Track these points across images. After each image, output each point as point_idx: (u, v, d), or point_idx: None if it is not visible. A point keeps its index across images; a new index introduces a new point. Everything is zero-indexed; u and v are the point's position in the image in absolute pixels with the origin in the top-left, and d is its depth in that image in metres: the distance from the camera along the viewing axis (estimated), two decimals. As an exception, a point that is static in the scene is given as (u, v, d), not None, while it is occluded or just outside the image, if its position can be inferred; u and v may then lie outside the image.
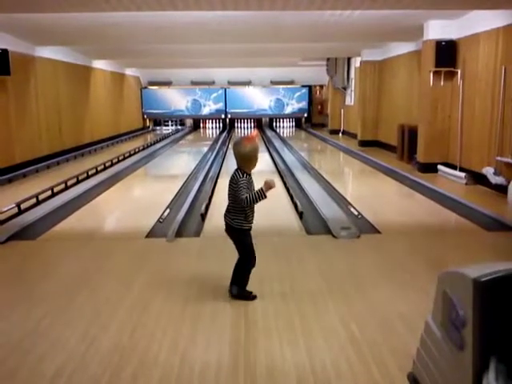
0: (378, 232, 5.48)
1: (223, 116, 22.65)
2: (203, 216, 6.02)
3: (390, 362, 2.74)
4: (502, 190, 7.11)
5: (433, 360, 2.18)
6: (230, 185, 3.46)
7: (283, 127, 22.95)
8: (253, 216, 3.52)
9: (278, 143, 15.70)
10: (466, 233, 5.55)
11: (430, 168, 9.29)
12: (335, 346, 2.94)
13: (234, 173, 3.43)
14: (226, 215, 3.54)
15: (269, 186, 3.34)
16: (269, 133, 19.94)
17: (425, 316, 2.41)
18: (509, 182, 6.76)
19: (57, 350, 2.94)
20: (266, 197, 3.36)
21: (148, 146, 15.26)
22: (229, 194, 3.50)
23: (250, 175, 3.44)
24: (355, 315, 3.35)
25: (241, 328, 3.17)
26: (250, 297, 3.57)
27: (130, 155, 12.87)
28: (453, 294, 2.00)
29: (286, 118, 23.05)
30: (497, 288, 1.76)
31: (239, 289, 3.57)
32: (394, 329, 3.14)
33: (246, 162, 3.39)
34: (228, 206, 3.52)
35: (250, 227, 3.52)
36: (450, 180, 8.55)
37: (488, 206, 6.37)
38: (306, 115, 22.81)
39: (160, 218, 6.09)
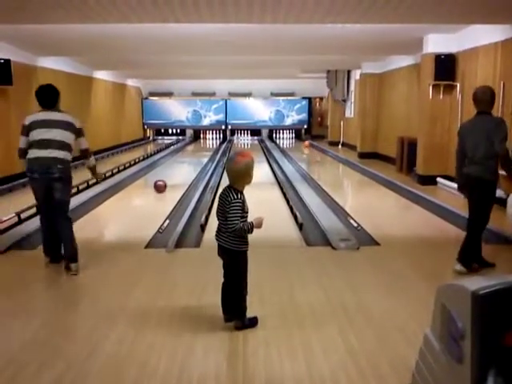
0: (377, 244, 5.49)
1: (223, 127, 22.73)
2: (203, 227, 6.03)
3: (388, 375, 2.73)
4: (500, 202, 7.11)
5: (432, 373, 2.18)
6: (220, 203, 3.16)
7: (283, 138, 23.02)
8: (247, 237, 3.24)
9: (277, 154, 15.75)
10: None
11: (429, 180, 9.31)
12: (334, 358, 2.94)
13: (227, 191, 3.15)
14: (218, 235, 3.22)
15: (258, 225, 3.15)
16: (269, 144, 20.00)
17: (424, 328, 2.41)
18: (508, 195, 6.77)
19: (56, 359, 2.94)
20: (251, 233, 3.17)
21: (148, 157, 15.30)
22: (219, 212, 3.19)
23: (242, 193, 3.19)
24: (354, 327, 3.35)
25: (239, 339, 3.17)
26: (254, 321, 3.35)
27: (131, 165, 12.90)
28: (451, 307, 2.01)
29: (286, 129, 23.14)
30: (495, 301, 1.77)
31: (241, 321, 3.29)
32: (393, 341, 3.14)
33: (239, 179, 3.15)
34: (219, 225, 3.22)
35: (248, 248, 3.25)
36: (449, 192, 8.56)
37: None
38: (305, 127, 22.90)
39: (160, 228, 6.10)
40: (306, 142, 19.50)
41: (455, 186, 8.48)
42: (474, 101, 4.68)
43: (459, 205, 7.44)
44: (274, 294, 3.98)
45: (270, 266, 4.66)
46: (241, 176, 3.14)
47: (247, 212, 3.20)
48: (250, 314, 3.46)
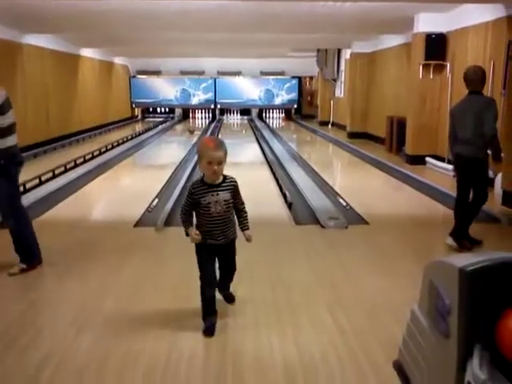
0: (366, 223, 5.52)
1: (212, 106, 22.54)
2: (192, 206, 6.01)
3: (376, 351, 2.77)
4: (489, 182, 7.17)
5: (418, 348, 2.21)
6: None
7: (273, 118, 22.91)
8: (212, 231, 2.90)
9: (267, 134, 15.69)
10: (453, 224, 5.60)
11: (418, 160, 9.35)
12: (323, 335, 2.97)
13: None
14: None
15: (192, 239, 2.88)
16: (258, 123, 19.91)
17: (412, 305, 2.44)
18: (496, 175, 6.82)
19: (43, 338, 2.94)
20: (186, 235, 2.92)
21: (136, 136, 15.16)
22: None
23: (207, 184, 2.87)
24: (343, 305, 3.38)
25: (228, 317, 3.18)
26: (209, 330, 2.94)
27: (119, 144, 12.78)
28: (439, 284, 2.02)
29: (276, 108, 23.02)
30: (482, 277, 1.78)
31: (203, 321, 2.99)
32: (381, 318, 3.17)
33: (199, 163, 2.92)
34: None
35: (203, 243, 2.91)
36: (438, 172, 8.62)
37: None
38: (295, 106, 22.79)
39: (149, 207, 6.07)
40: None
41: (444, 165, 8.62)
42: (464, 81, 4.67)
43: (448, 184, 7.50)
44: (264, 271, 4.00)
45: (260, 245, 4.66)
46: (198, 159, 2.94)
47: (206, 207, 2.86)
48: (240, 291, 3.48)
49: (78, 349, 2.81)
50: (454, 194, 6.71)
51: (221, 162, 2.81)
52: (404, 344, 2.43)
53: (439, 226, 5.72)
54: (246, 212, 3.03)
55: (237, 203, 2.99)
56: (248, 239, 3.01)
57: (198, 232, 2.86)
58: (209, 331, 2.92)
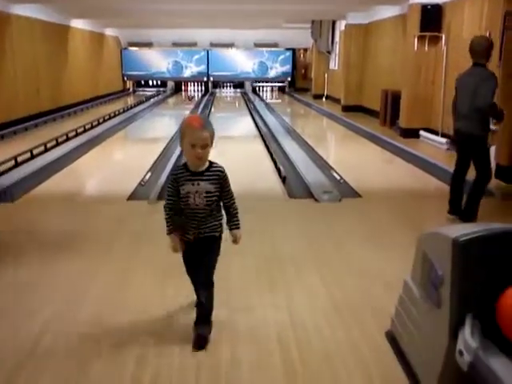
0: (360, 196, 5.54)
1: (205, 79, 22.27)
2: (185, 179, 5.99)
3: (368, 321, 2.81)
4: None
5: (410, 318, 2.24)
6: None
7: (266, 91, 22.70)
8: (185, 225, 2.52)
9: (260, 107, 15.57)
10: (446, 197, 5.61)
11: (412, 133, 9.33)
12: (316, 305, 3.00)
13: None
14: None
15: (172, 247, 2.57)
16: (252, 96, 19.73)
17: (404, 276, 2.46)
18: (489, 147, 6.83)
19: (42, 309, 2.95)
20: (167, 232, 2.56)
21: (128, 109, 14.99)
22: None
23: (189, 171, 2.46)
24: (336, 276, 3.41)
25: (222, 288, 3.20)
26: (200, 340, 2.55)
27: (110, 118, 12.64)
28: (432, 254, 2.04)
29: (270, 81, 22.78)
30: (475, 248, 1.80)
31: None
32: (374, 289, 3.21)
33: (181, 145, 2.49)
34: None
35: (190, 239, 2.55)
36: (432, 145, 8.61)
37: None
38: (289, 79, 22.56)
39: (142, 180, 6.05)
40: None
41: (437, 138, 8.61)
42: (469, 51, 4.52)
43: (441, 157, 7.51)
44: (258, 244, 4.01)
45: (254, 218, 4.67)
46: (180, 139, 2.48)
47: (184, 197, 2.45)
48: (234, 263, 3.49)
49: (74, 322, 2.83)
50: (446, 167, 6.76)
51: (206, 145, 2.38)
52: (396, 314, 2.47)
53: (432, 199, 5.75)
54: (235, 209, 2.57)
55: (224, 197, 2.52)
56: (235, 240, 2.58)
57: (180, 242, 2.53)
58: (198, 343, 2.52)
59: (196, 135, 2.37)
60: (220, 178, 2.47)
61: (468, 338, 1.66)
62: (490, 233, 1.83)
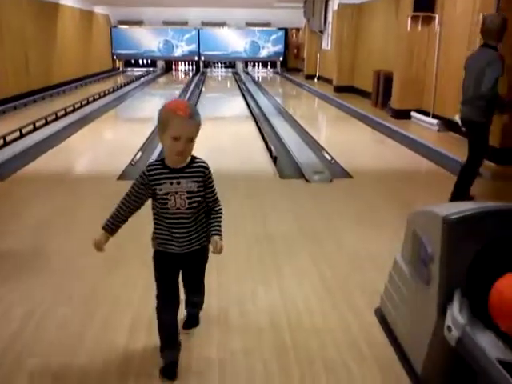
0: (351, 176, 5.55)
1: (196, 58, 22.03)
2: (176, 159, 5.96)
3: (358, 300, 2.83)
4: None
5: (400, 295, 2.27)
6: None
7: (258, 71, 22.52)
8: (170, 234, 2.12)
9: (252, 87, 15.45)
10: (436, 178, 5.67)
11: (403, 115, 9.33)
12: (306, 284, 3.02)
13: None
14: None
15: (95, 245, 2.25)
16: (243, 76, 19.57)
17: (394, 255, 2.48)
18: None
19: (27, 293, 2.94)
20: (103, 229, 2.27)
21: (118, 88, 14.82)
22: None
23: (167, 168, 2.05)
24: (326, 255, 3.43)
25: (213, 268, 3.21)
26: (167, 370, 2.18)
27: (100, 97, 12.50)
28: (422, 232, 2.05)
29: (262, 61, 22.59)
30: (464, 225, 1.81)
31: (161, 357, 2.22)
32: (364, 268, 3.23)
33: (158, 135, 2.04)
34: None
35: (161, 251, 2.17)
36: (423, 127, 8.62)
37: (458, 152, 6.47)
38: (281, 59, 22.37)
39: (132, 160, 6.01)
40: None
41: (429, 120, 8.62)
42: (480, 30, 4.21)
43: (432, 139, 7.54)
44: (249, 224, 4.02)
45: (245, 198, 4.68)
46: (159, 132, 2.03)
47: (162, 199, 2.06)
48: (225, 243, 3.49)
49: (61, 304, 2.83)
50: (437, 148, 6.79)
51: (191, 139, 1.98)
52: (386, 292, 2.50)
53: (423, 180, 5.80)
54: (219, 212, 2.19)
55: (208, 198, 2.14)
56: (216, 249, 2.13)
57: (102, 240, 2.21)
58: (168, 371, 2.16)
59: (182, 126, 1.94)
60: (204, 175, 2.08)
61: (456, 314, 1.68)
62: (480, 211, 1.85)
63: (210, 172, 2.12)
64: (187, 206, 2.07)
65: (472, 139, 4.42)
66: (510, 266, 1.82)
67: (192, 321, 2.52)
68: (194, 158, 2.10)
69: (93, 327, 2.57)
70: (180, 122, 1.94)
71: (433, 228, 1.90)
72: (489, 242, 1.80)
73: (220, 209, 2.20)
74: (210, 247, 2.18)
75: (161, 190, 2.05)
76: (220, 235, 2.16)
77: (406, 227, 2.30)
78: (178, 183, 2.04)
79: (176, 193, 2.05)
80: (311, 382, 2.16)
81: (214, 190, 2.16)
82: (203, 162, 2.12)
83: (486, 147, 4.48)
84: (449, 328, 1.68)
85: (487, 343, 1.58)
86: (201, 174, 2.08)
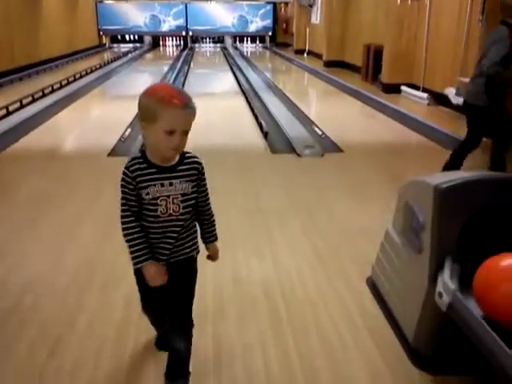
0: (341, 151, 5.56)
1: (184, 33, 21.70)
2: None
3: (350, 270, 2.88)
4: (462, 110, 7.24)
5: (391, 264, 2.31)
6: None
7: (247, 46, 22.26)
8: (156, 243, 1.76)
9: (241, 62, 15.30)
10: (426, 151, 5.71)
11: (393, 89, 9.30)
12: (299, 255, 3.06)
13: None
14: None
15: (150, 277, 1.75)
16: (232, 51, 19.34)
17: (385, 227, 2.51)
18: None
19: (24, 265, 2.95)
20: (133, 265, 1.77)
21: (105, 65, 14.59)
22: None
23: (153, 166, 1.69)
24: (318, 228, 3.47)
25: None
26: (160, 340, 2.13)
27: (87, 74, 12.31)
28: (413, 202, 2.08)
29: (250, 36, 22.32)
30: (455, 194, 1.84)
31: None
32: (355, 239, 3.27)
33: (142, 128, 1.68)
34: None
35: (141, 261, 1.74)
36: (413, 101, 8.62)
37: (448, 126, 6.51)
38: (270, 34, 22.12)
39: (121, 136, 5.97)
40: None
41: (419, 94, 8.61)
42: (500, 6, 3.94)
43: (422, 112, 7.55)
44: (241, 199, 4.03)
45: (236, 173, 4.69)
46: (143, 122, 1.68)
47: (150, 205, 1.70)
48: (217, 218, 3.51)
49: (58, 276, 2.84)
50: (427, 121, 6.81)
51: (187, 131, 1.66)
52: (377, 262, 2.54)
53: (412, 153, 5.83)
54: (212, 215, 1.92)
55: (200, 199, 1.82)
56: (213, 256, 1.96)
57: (163, 269, 1.76)
58: (161, 343, 2.11)
59: (177, 118, 1.61)
60: (198, 173, 1.76)
61: (447, 280, 1.71)
62: (471, 179, 1.87)
63: (203, 168, 1.78)
64: (181, 210, 1.73)
65: (470, 122, 4.19)
66: (499, 234, 1.86)
67: (178, 368, 1.86)
68: (183, 153, 1.74)
69: (91, 296, 2.60)
70: (175, 113, 1.60)
71: (424, 197, 1.93)
72: (479, 210, 1.83)
73: (212, 212, 1.91)
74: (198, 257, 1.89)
75: (147, 193, 1.68)
76: (217, 239, 1.97)
77: (398, 198, 2.33)
78: (171, 184, 1.70)
79: (168, 196, 1.70)
80: (306, 350, 2.20)
81: (207, 189, 1.84)
82: (196, 157, 1.77)
83: (479, 129, 4.20)
84: (440, 294, 1.72)
85: (477, 307, 1.62)
86: (195, 171, 1.75)
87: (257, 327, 2.36)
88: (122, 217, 1.72)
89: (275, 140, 6.00)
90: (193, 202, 1.78)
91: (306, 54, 17.54)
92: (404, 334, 2.14)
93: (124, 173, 1.70)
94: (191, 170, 1.74)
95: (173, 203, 1.71)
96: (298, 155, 5.30)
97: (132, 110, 7.61)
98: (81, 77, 11.66)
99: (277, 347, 2.22)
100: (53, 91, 9.46)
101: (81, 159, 5.29)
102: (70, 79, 10.90)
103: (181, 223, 1.76)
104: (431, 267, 1.86)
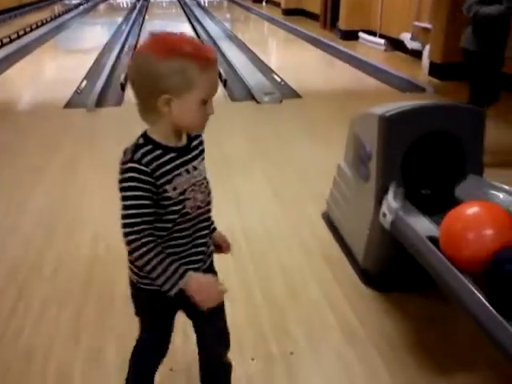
0: (300, 97, 5.62)
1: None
2: (123, 85, 5.81)
3: (308, 207, 3.00)
4: (417, 54, 7.36)
5: (342, 195, 2.44)
6: None
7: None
8: (188, 250, 1.32)
9: (199, 12, 14.89)
10: (383, 95, 5.81)
11: (351, 35, 9.32)
12: (260, 198, 3.16)
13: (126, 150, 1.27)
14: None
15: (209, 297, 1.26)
16: (189, 2, 18.74)
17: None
18: (424, 47, 6.99)
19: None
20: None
21: (56, 17, 13.96)
22: None
23: (172, 150, 1.25)
24: (278, 170, 3.57)
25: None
26: None
27: (38, 27, 11.78)
28: (361, 133, 2.19)
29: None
30: (399, 121, 1.94)
31: None
32: (312, 178, 3.40)
33: (140, 101, 1.23)
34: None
35: (159, 290, 1.22)
36: (370, 47, 8.68)
37: (404, 71, 6.64)
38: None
39: (77, 89, 5.84)
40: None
41: (375, 39, 8.67)
42: None
43: (379, 58, 7.64)
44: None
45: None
46: (140, 94, 1.22)
47: (178, 203, 1.25)
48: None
49: (22, 224, 2.86)
50: (384, 67, 6.91)
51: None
52: (331, 195, 2.67)
53: (370, 98, 5.91)
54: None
55: None
56: (225, 242, 1.53)
57: (220, 282, 1.31)
58: None
59: (216, 78, 1.24)
60: (203, 149, 1.39)
61: (390, 200, 1.84)
62: (414, 107, 1.98)
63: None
64: (208, 198, 1.37)
65: (469, 73, 3.77)
66: (441, 158, 1.99)
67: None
68: None
69: (56, 239, 2.65)
70: (214, 75, 1.21)
71: (371, 127, 2.03)
72: (422, 135, 1.94)
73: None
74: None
75: (175, 188, 1.23)
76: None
77: (348, 131, 2.43)
78: (195, 168, 1.30)
79: (194, 184, 1.29)
80: (264, 274, 2.33)
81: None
82: None
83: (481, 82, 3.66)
84: (384, 214, 1.85)
85: (417, 224, 1.76)
86: (203, 147, 1.38)
87: (220, 265, 2.46)
88: (136, 239, 1.18)
89: (235, 88, 6.00)
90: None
91: (264, 3, 17.18)
92: (355, 257, 2.29)
93: (132, 169, 1.18)
94: (201, 143, 1.37)
95: (199, 192, 1.31)
96: (258, 102, 5.33)
97: (86, 63, 7.44)
98: (31, 30, 11.16)
99: (238, 274, 2.33)
100: (2, 45, 9.06)
101: (36, 113, 5.17)
102: (20, 33, 10.42)
103: (209, 215, 1.39)
104: (377, 192, 1.98)
